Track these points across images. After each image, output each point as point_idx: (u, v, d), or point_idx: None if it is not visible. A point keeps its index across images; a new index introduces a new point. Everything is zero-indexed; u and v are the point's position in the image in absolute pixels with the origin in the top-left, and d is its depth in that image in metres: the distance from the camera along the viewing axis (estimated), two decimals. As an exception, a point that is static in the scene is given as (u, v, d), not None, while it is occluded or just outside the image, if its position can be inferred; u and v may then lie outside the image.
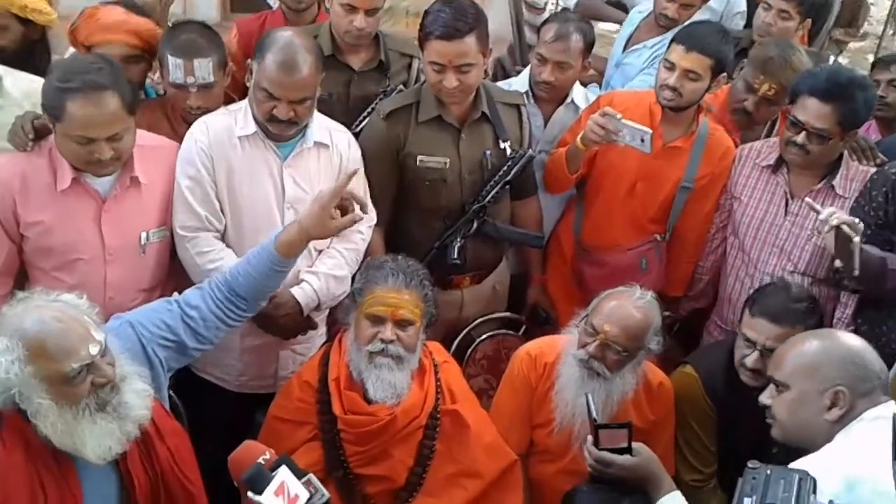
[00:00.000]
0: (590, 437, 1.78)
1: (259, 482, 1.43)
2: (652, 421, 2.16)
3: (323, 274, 2.24)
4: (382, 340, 1.90)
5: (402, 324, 1.92)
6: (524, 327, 2.70)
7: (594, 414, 1.79)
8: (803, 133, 2.32)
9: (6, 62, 2.28)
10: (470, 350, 2.56)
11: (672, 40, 2.51)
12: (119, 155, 1.95)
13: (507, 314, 2.70)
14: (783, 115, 2.72)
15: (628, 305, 2.02)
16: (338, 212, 1.84)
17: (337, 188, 1.85)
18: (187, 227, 2.14)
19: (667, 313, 2.20)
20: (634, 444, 1.76)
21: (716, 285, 2.69)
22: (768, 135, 2.73)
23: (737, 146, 2.62)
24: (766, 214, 2.51)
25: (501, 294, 2.68)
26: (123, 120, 1.92)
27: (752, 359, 2.09)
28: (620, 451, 1.74)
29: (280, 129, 2.12)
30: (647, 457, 1.76)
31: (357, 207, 1.87)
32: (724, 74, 2.49)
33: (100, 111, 1.86)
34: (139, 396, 1.57)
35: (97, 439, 1.50)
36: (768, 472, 1.31)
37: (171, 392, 2.17)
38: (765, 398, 1.70)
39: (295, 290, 2.19)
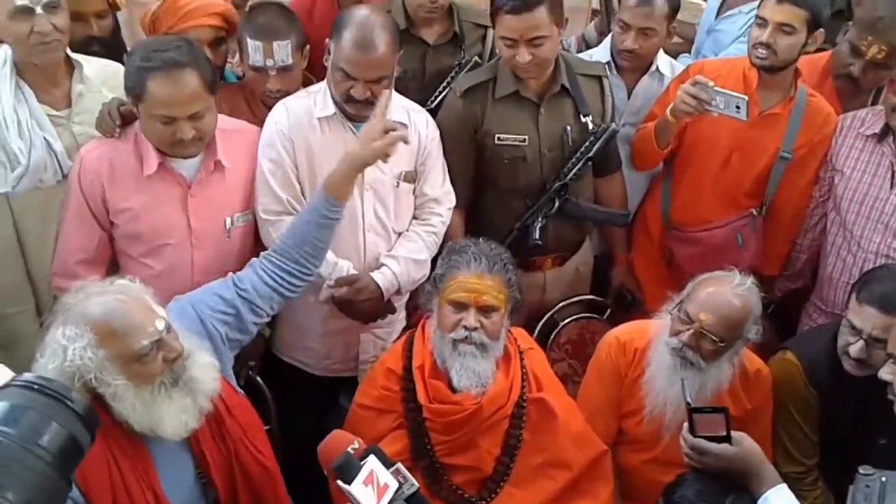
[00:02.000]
0: (685, 424, 1.69)
1: (348, 471, 1.42)
2: (749, 410, 2.05)
3: (403, 258, 2.21)
4: (466, 328, 1.85)
5: (485, 310, 1.87)
6: (609, 310, 2.62)
7: (688, 398, 1.71)
8: (913, 97, 2.16)
9: (97, 53, 2.32)
10: (553, 334, 2.50)
11: None
12: (201, 135, 1.95)
13: (592, 297, 2.62)
14: (890, 82, 2.53)
15: (727, 292, 1.90)
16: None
17: (379, 109, 1.89)
18: (270, 211, 2.14)
19: (763, 295, 2.07)
20: (735, 433, 1.65)
21: (814, 265, 2.55)
22: (874, 104, 2.54)
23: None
24: (869, 188, 2.36)
25: (585, 276, 2.61)
26: (204, 98, 1.92)
27: (856, 348, 1.96)
28: (719, 440, 1.65)
29: (358, 110, 2.08)
30: (748, 447, 1.65)
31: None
32: (822, 31, 2.31)
33: (180, 89, 1.87)
34: (206, 370, 1.59)
35: (175, 415, 1.52)
36: (883, 478, 1.21)
37: (258, 377, 2.21)
38: (884, 374, 1.58)
39: (375, 275, 2.18)
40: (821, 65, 2.55)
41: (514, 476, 1.91)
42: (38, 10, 1.98)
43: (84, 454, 1.05)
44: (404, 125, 2.18)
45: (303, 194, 2.17)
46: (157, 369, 1.51)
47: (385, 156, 1.92)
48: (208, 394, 1.57)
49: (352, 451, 1.46)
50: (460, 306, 1.87)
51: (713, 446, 1.65)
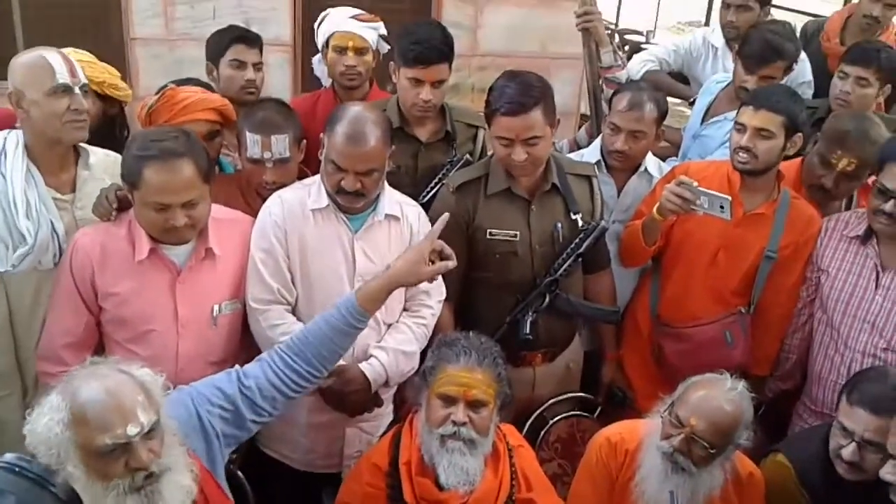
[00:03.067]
0: None
1: None
2: (743, 515, 2.01)
3: (392, 349, 2.19)
4: (454, 422, 1.82)
5: (474, 405, 1.84)
6: (599, 408, 2.59)
7: None
8: (892, 201, 2.23)
9: (88, 139, 2.38)
10: (543, 433, 2.46)
11: (741, 104, 2.45)
12: (194, 223, 1.98)
13: (582, 394, 2.59)
14: (861, 189, 2.62)
15: (718, 397, 1.89)
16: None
17: (432, 234, 1.87)
18: (260, 300, 2.14)
19: (752, 395, 2.06)
20: None
21: (804, 365, 2.55)
22: (847, 209, 2.61)
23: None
24: (855, 288, 2.39)
25: (575, 372, 2.59)
26: (198, 187, 1.95)
27: (849, 451, 1.94)
28: None
29: (348, 201, 2.12)
30: None
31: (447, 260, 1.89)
32: (800, 135, 2.40)
33: (175, 177, 1.91)
34: (180, 491, 1.51)
35: None
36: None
37: (238, 470, 2.14)
38: (886, 473, 1.54)
39: (363, 366, 2.15)
40: (794, 170, 2.62)
41: (503, 579, 1.84)
42: (76, 90, 2.08)
43: None
44: (396, 218, 2.22)
45: (293, 283, 2.18)
46: (116, 472, 1.44)
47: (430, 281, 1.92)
48: None
49: None
50: (449, 400, 1.85)
51: None
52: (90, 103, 2.17)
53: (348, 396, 2.14)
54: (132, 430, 1.45)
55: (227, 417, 1.73)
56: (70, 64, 2.09)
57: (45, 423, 1.43)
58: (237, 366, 1.82)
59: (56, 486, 0.99)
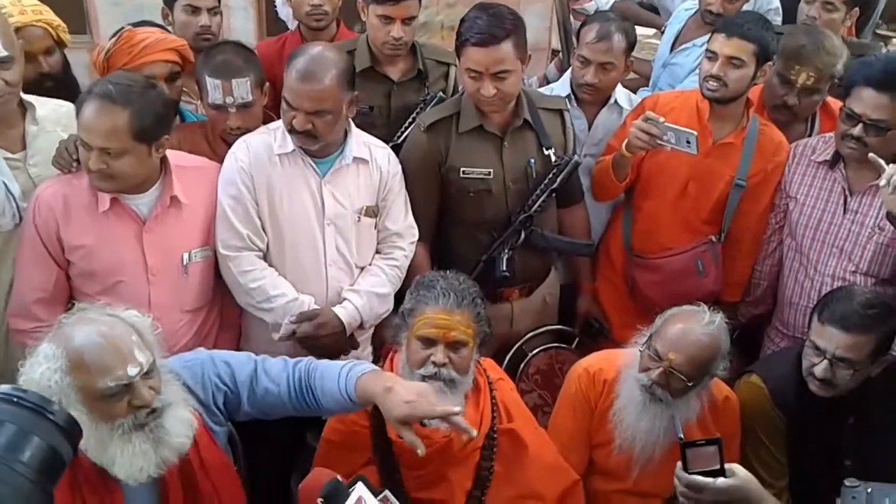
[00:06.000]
0: (679, 462, 1.65)
1: (336, 498, 1.41)
2: (718, 438, 2.06)
3: (365, 292, 2.19)
4: (434, 364, 1.82)
5: (454, 346, 1.84)
6: (577, 340, 2.62)
7: (680, 433, 1.67)
8: (860, 125, 2.23)
9: (51, 89, 2.29)
10: (522, 365, 2.48)
11: (713, 31, 2.43)
12: (112, 174, 1.90)
13: (559, 326, 2.62)
14: (822, 110, 2.63)
15: (696, 331, 1.90)
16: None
17: (443, 413, 1.59)
18: (230, 247, 2.11)
19: (726, 321, 2.10)
20: (728, 465, 1.62)
21: (775, 290, 2.59)
22: (809, 135, 2.63)
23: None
24: (823, 213, 2.42)
25: (552, 306, 2.61)
26: (122, 140, 1.87)
27: (821, 368, 1.98)
28: (713, 474, 1.61)
29: (301, 141, 2.08)
30: (745, 476, 1.62)
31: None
32: (770, 63, 2.40)
33: (100, 120, 1.85)
34: (182, 424, 1.53)
35: (128, 458, 1.46)
36: (869, 489, 1.21)
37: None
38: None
39: (337, 309, 2.15)
40: (755, 95, 2.59)
41: (487, 509, 1.87)
42: None
43: (66, 467, 1.01)
44: (365, 161, 2.19)
45: (263, 229, 2.15)
46: (120, 412, 1.46)
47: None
48: (176, 448, 1.51)
49: (340, 479, 1.44)
50: (429, 342, 1.84)
51: (709, 481, 1.61)
52: (14, 74, 1.98)
53: (323, 339, 2.14)
54: (132, 370, 1.45)
55: (228, 399, 1.70)
56: None
57: (42, 371, 1.43)
58: (261, 357, 1.74)
59: (54, 413, 1.00)
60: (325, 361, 1.75)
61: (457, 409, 1.60)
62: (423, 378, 1.83)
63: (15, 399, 0.99)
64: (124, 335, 1.49)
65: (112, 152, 1.88)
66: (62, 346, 1.45)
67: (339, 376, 1.67)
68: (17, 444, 0.96)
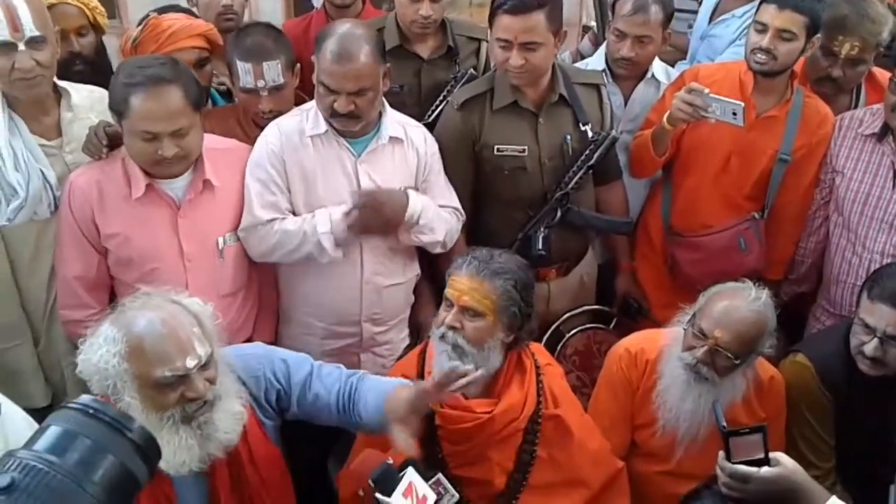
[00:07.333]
0: (721, 452, 1.60)
1: (387, 483, 1.40)
2: (763, 419, 2.00)
3: (429, 200, 2.17)
4: (445, 324, 1.80)
5: (468, 312, 1.80)
6: (615, 320, 2.58)
7: (723, 422, 1.63)
8: (910, 95, 2.15)
9: (81, 72, 2.28)
10: (559, 346, 2.45)
11: (762, 1, 2.33)
12: (185, 153, 1.91)
13: (597, 306, 2.58)
14: (868, 81, 2.53)
15: (742, 308, 1.85)
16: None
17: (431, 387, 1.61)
18: (248, 228, 2.10)
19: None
20: (773, 454, 1.57)
21: (819, 267, 2.52)
22: (855, 107, 2.53)
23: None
24: (871, 188, 2.34)
25: (589, 285, 2.57)
26: (187, 115, 1.87)
27: (871, 346, 1.92)
28: (757, 463, 1.55)
29: (343, 125, 2.05)
30: (791, 465, 1.55)
31: None
32: (819, 36, 2.31)
33: (162, 104, 1.84)
34: (231, 418, 1.52)
35: (173, 450, 1.46)
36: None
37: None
38: None
39: (410, 191, 2.12)
40: (798, 68, 2.48)
41: (528, 493, 1.85)
42: (21, 46, 1.90)
43: (140, 489, 0.93)
44: (400, 141, 2.15)
45: (295, 213, 2.12)
46: (172, 402, 1.46)
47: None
48: (223, 443, 1.51)
49: (390, 463, 1.43)
50: (448, 303, 1.83)
51: (754, 471, 1.55)
52: (47, 54, 1.94)
53: (385, 206, 2.07)
54: (190, 362, 1.45)
55: (280, 396, 1.69)
56: (11, 15, 1.86)
57: (101, 354, 1.44)
58: (318, 363, 1.74)
59: (133, 430, 0.92)
60: (377, 377, 1.75)
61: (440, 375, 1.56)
62: (440, 338, 1.81)
63: (91, 411, 0.92)
64: (186, 325, 1.48)
65: (183, 131, 1.87)
66: (123, 330, 1.45)
67: (385, 392, 1.65)
68: (90, 461, 0.88)
